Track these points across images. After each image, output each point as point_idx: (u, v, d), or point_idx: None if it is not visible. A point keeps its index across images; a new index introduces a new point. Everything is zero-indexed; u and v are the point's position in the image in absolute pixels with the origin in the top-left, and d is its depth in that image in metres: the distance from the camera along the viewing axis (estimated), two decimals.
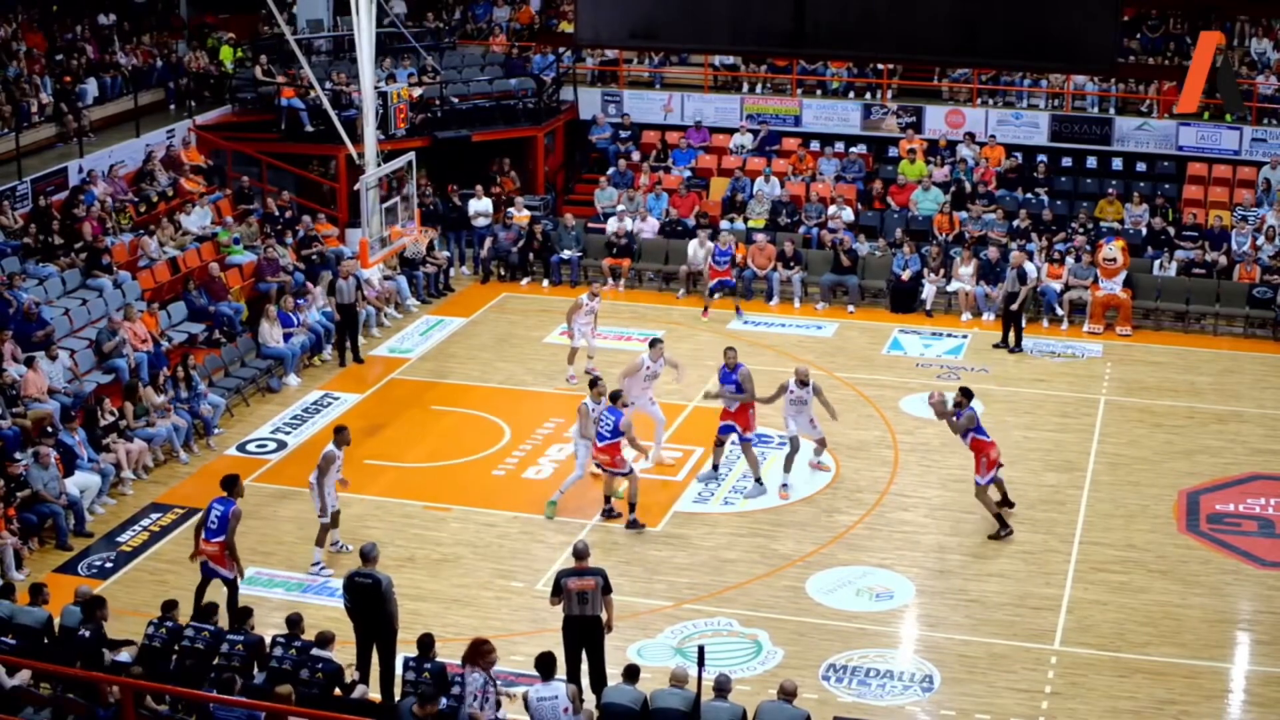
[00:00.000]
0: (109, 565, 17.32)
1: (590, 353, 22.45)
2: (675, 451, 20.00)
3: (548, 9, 33.44)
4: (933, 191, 27.93)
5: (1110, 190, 27.69)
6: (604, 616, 14.03)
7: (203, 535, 15.56)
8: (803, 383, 18.65)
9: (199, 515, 16.11)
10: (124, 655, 13.32)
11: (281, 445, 20.59)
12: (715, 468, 19.37)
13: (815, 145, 29.75)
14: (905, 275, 25.75)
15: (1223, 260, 25.50)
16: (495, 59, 31.45)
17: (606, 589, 13.97)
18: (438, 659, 13.03)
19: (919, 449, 20.06)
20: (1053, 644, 15.52)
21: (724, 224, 27.75)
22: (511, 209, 28.14)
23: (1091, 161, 28.82)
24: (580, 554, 14.20)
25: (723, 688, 12.42)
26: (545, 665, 12.45)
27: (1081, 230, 26.26)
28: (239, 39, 30.65)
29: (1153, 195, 27.49)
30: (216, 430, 20.78)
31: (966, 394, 17.84)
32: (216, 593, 15.37)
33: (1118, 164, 28.68)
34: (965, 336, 24.58)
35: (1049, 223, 26.72)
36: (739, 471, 19.22)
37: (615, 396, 17.97)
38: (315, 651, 12.96)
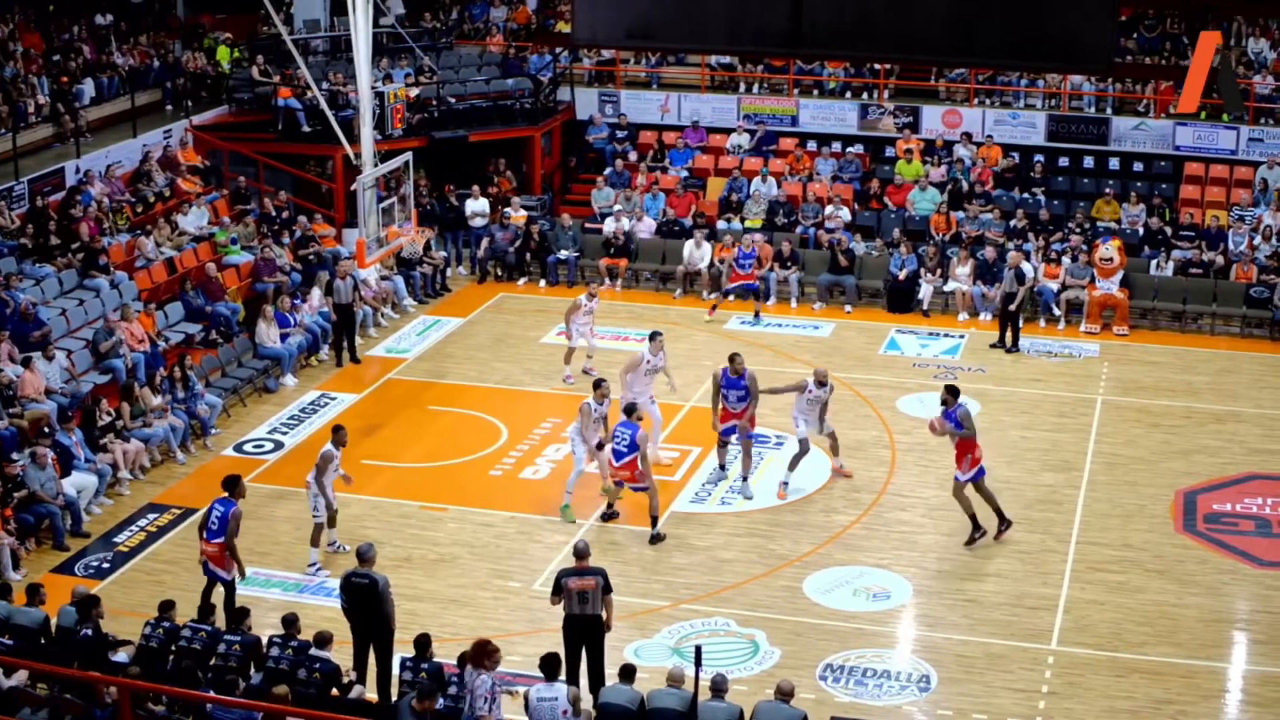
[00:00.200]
0: (106, 565, 17.31)
1: (590, 352, 22.45)
2: (672, 451, 19.99)
3: (544, 9, 33.45)
4: (930, 191, 27.93)
5: (1107, 190, 27.68)
6: (604, 616, 14.03)
7: (203, 536, 15.55)
8: (821, 383, 18.52)
9: (200, 515, 16.09)
10: (121, 655, 13.32)
11: (279, 445, 20.58)
12: (722, 467, 19.33)
13: (812, 145, 29.73)
14: (902, 275, 25.74)
15: (1220, 260, 25.50)
16: (492, 59, 31.44)
17: (607, 589, 13.98)
18: (435, 659, 13.06)
19: (916, 449, 20.03)
20: (1050, 644, 15.51)
21: (721, 224, 27.74)
22: (508, 209, 28.13)
23: (1088, 161, 28.81)
24: (581, 553, 14.20)
25: (719, 688, 12.41)
26: (549, 666, 12.48)
27: (1078, 230, 26.25)
28: (236, 39, 30.62)
29: (1149, 195, 27.48)
30: (213, 430, 20.77)
31: (953, 392, 17.60)
32: (219, 593, 15.36)
33: (1114, 164, 28.66)
34: (962, 336, 24.57)
35: (1046, 222, 26.71)
36: (737, 471, 19.20)
37: (630, 410, 17.58)
38: (313, 651, 12.98)
